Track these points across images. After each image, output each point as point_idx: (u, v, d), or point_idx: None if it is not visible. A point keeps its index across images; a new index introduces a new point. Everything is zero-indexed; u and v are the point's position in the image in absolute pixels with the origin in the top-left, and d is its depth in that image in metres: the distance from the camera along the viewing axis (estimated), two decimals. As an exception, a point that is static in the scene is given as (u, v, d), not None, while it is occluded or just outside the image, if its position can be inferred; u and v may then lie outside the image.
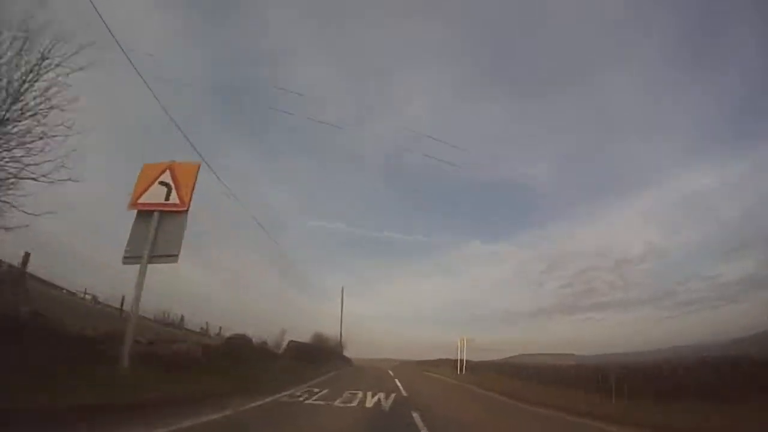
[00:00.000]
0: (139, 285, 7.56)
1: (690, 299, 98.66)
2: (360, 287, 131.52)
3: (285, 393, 9.67)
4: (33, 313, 7.31)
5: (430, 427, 6.32)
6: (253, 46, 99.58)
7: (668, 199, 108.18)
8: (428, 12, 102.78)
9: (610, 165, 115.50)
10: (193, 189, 8.33)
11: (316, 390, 10.78)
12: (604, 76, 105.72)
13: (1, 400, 3.86)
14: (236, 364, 12.70)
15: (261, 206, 78.77)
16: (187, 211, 8.19)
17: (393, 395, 10.60)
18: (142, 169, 8.49)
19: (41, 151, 7.88)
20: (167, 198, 8.15)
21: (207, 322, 26.24)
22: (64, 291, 19.09)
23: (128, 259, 7.87)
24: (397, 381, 17.30)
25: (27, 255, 9.45)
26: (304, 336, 42.76)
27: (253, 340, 19.67)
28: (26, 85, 7.82)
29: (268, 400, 8.28)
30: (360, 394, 10.14)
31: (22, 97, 7.76)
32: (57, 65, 8.01)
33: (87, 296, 21.13)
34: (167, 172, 8.35)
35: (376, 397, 9.76)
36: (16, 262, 9.39)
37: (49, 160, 7.92)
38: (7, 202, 7.77)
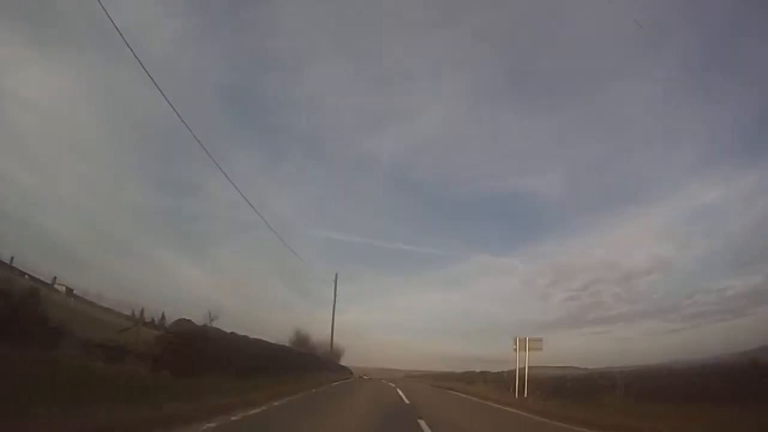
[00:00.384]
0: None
1: (697, 312, 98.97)
2: (366, 297, 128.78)
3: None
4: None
5: None
6: (266, 52, 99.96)
7: (677, 211, 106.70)
8: (441, 22, 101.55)
9: (618, 177, 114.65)
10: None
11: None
12: (613, 88, 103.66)
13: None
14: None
15: (267, 213, 75.34)
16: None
17: None
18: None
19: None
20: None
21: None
22: None
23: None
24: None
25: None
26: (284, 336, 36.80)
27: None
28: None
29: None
30: None
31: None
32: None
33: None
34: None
35: None
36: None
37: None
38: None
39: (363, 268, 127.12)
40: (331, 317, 40.91)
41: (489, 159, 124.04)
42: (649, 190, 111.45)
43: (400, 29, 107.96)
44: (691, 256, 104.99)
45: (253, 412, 8.92)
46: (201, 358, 12.13)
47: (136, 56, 8.63)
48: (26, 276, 21.48)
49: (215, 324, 21.02)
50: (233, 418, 7.74)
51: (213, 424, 6.77)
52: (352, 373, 72.54)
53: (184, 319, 19.21)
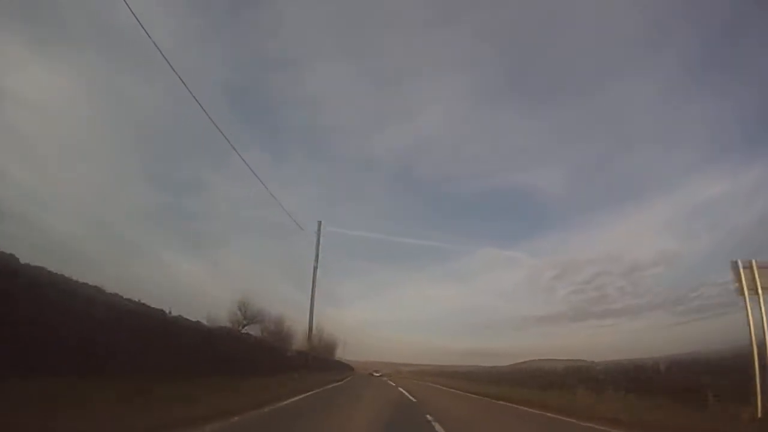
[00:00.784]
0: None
1: (702, 305, 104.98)
2: (369, 292, 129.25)
3: None
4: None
5: None
6: (272, 52, 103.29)
7: (681, 205, 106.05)
8: (442, 22, 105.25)
9: (623, 172, 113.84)
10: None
11: None
12: (617, 85, 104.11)
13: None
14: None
15: (273, 208, 74.64)
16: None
17: None
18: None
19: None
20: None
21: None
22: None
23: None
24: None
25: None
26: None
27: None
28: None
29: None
30: None
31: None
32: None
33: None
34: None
35: None
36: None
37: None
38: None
39: (366, 264, 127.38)
40: (311, 304, 27.29)
41: (495, 155, 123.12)
42: (655, 184, 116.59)
43: (401, 29, 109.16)
44: (695, 249, 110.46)
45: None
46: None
47: (164, 57, 9.70)
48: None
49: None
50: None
51: None
52: (353, 369, 67.99)
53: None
